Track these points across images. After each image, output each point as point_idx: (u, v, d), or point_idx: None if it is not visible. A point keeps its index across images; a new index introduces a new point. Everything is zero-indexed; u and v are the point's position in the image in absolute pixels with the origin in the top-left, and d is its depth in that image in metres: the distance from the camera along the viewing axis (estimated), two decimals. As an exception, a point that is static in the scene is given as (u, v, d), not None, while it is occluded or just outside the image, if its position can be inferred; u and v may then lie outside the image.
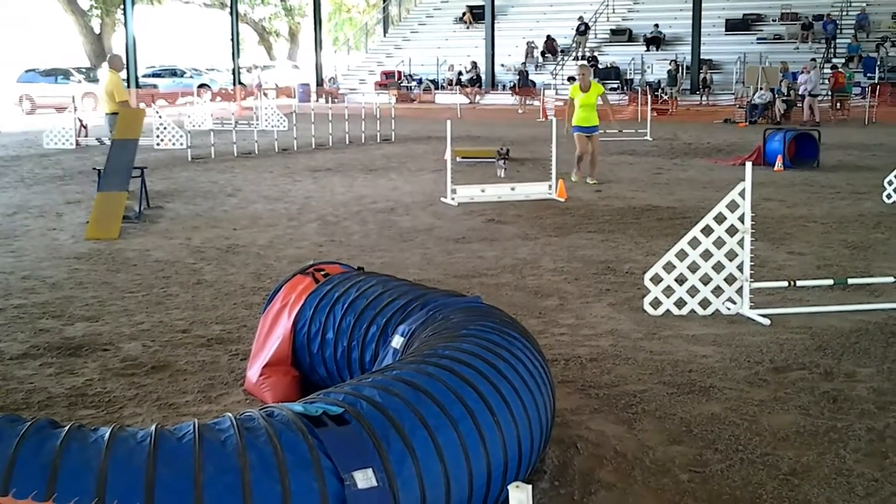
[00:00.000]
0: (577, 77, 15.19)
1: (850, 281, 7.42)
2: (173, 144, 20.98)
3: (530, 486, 2.26)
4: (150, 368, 5.61)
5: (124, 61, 15.36)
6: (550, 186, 13.05)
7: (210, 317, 6.79)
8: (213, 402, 5.01)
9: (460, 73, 44.14)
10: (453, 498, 3.22)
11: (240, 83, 45.75)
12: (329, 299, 4.92)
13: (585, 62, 32.58)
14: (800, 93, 31.80)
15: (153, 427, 3.00)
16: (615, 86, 40.48)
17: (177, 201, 12.87)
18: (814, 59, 36.45)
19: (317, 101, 41.97)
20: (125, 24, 38.82)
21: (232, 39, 47.69)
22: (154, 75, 45.67)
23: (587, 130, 14.57)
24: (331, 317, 4.84)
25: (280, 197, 13.32)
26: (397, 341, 4.36)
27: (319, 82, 48.40)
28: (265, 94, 39.48)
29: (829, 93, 32.93)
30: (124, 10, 38.64)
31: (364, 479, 2.97)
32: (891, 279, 7.28)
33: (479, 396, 3.52)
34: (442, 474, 3.19)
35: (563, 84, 40.85)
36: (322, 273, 5.22)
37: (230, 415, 3.17)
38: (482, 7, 45.15)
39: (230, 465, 2.89)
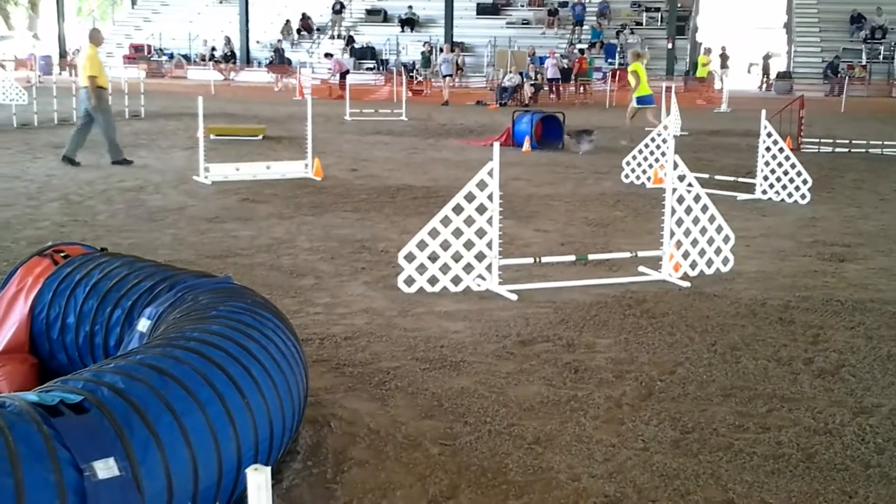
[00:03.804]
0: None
1: (591, 257, 7.80)
2: None
3: (269, 469, 2.23)
4: None
5: (104, 36, 14.46)
6: (307, 165, 12.97)
7: (-63, 303, 6.29)
8: (-60, 396, 4.65)
9: (213, 49, 43.07)
10: (202, 482, 3.14)
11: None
12: (70, 282, 4.66)
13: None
14: (547, 77, 33.23)
15: None
16: (371, 66, 40.80)
17: None
18: (571, 45, 38.19)
19: (60, 73, 39.80)
20: None
21: (-36, 6, 44.44)
22: None
23: None
24: (72, 300, 4.58)
25: (18, 175, 12.52)
26: (143, 324, 4.19)
27: (63, 54, 45.94)
28: (2, 66, 36.97)
29: (574, 77, 34.60)
30: None
31: (105, 468, 2.84)
32: (627, 254, 7.71)
33: (229, 378, 3.44)
34: (189, 459, 3.10)
35: (319, 62, 40.75)
36: (62, 255, 4.93)
37: (-45, 408, 2.95)
38: (236, -18, 44.28)
39: (-45, 461, 2.69)
